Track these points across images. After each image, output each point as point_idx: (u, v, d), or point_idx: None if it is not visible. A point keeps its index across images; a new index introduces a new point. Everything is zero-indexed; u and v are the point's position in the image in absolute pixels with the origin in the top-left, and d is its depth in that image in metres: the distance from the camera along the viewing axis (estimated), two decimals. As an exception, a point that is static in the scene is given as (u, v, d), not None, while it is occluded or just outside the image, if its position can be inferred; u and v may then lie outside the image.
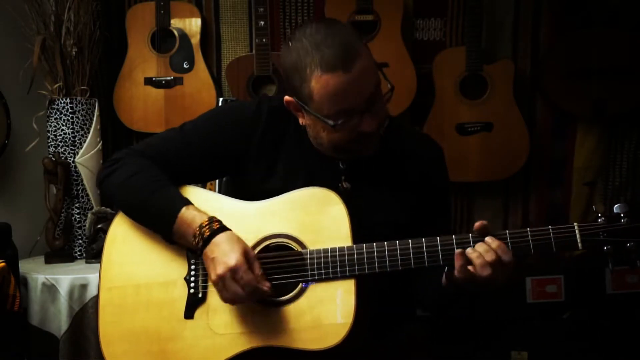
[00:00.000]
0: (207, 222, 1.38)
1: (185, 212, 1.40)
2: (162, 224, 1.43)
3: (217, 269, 1.33)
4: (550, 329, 2.66)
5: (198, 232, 1.37)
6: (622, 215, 1.31)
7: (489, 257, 1.30)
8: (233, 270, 1.32)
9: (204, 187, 2.44)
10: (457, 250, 1.32)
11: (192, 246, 1.40)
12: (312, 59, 1.34)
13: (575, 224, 1.32)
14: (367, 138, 1.41)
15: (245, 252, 1.35)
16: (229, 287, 1.33)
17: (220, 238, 1.36)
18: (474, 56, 2.82)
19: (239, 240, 1.37)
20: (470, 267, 1.31)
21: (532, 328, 2.66)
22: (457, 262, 1.32)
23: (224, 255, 1.33)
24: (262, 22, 2.82)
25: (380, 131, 1.45)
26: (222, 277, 1.33)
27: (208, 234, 1.36)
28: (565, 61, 2.87)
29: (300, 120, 1.48)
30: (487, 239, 1.33)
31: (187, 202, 1.42)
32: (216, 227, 1.37)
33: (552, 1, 2.96)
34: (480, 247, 1.32)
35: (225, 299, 1.36)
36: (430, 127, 2.87)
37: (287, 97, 1.45)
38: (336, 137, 1.41)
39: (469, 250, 1.32)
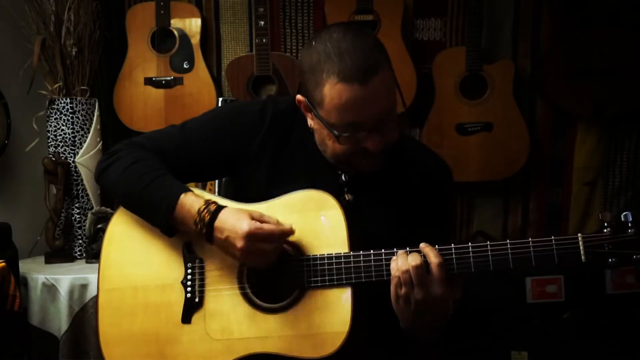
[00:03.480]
0: (204, 206, 1.36)
1: (184, 198, 1.38)
2: (161, 212, 1.40)
3: (236, 243, 1.32)
4: (550, 329, 2.66)
5: (198, 219, 1.36)
6: (629, 224, 1.25)
7: (413, 260, 1.29)
8: (250, 236, 1.31)
9: (204, 187, 2.45)
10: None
11: (195, 233, 1.38)
12: (331, 64, 1.31)
13: (579, 235, 1.26)
14: (370, 156, 1.39)
15: (251, 215, 1.34)
16: (259, 251, 1.33)
17: (222, 216, 1.35)
18: (474, 56, 2.82)
19: (238, 210, 1.36)
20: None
21: (532, 328, 2.66)
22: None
23: (233, 229, 1.32)
24: (262, 22, 2.82)
25: (386, 152, 1.42)
26: (246, 249, 1.32)
27: (208, 218, 1.35)
28: (565, 61, 2.87)
29: (309, 122, 1.45)
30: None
31: (185, 189, 1.41)
32: (213, 208, 1.36)
33: (552, 1, 2.96)
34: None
35: (265, 264, 1.36)
36: (430, 127, 2.87)
37: (299, 96, 1.42)
38: (339, 148, 1.39)
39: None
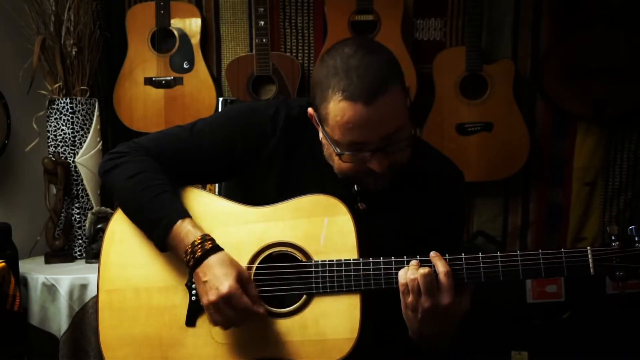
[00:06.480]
0: (199, 241, 1.34)
1: (180, 226, 1.36)
2: (157, 232, 1.39)
3: (209, 294, 1.31)
4: (550, 329, 2.66)
5: (190, 250, 1.33)
6: (636, 238, 1.26)
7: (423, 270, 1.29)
8: (226, 298, 1.29)
9: (204, 187, 2.45)
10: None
11: (183, 261, 1.36)
12: (337, 81, 1.29)
13: (588, 247, 1.27)
14: (376, 175, 1.36)
15: (239, 275, 1.32)
16: (221, 313, 1.32)
17: (212, 260, 1.32)
18: (474, 56, 2.82)
19: (232, 262, 1.34)
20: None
21: (532, 328, 2.66)
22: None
23: (216, 279, 1.30)
24: (262, 22, 2.82)
25: (395, 171, 1.39)
26: (214, 304, 1.31)
27: (200, 254, 1.33)
28: (565, 61, 2.87)
29: (320, 135, 1.42)
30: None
31: (184, 215, 1.38)
32: (208, 246, 1.33)
33: (552, 1, 2.96)
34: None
35: (215, 323, 1.34)
36: (430, 127, 2.87)
37: (309, 110, 1.41)
38: (344, 165, 1.37)
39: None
